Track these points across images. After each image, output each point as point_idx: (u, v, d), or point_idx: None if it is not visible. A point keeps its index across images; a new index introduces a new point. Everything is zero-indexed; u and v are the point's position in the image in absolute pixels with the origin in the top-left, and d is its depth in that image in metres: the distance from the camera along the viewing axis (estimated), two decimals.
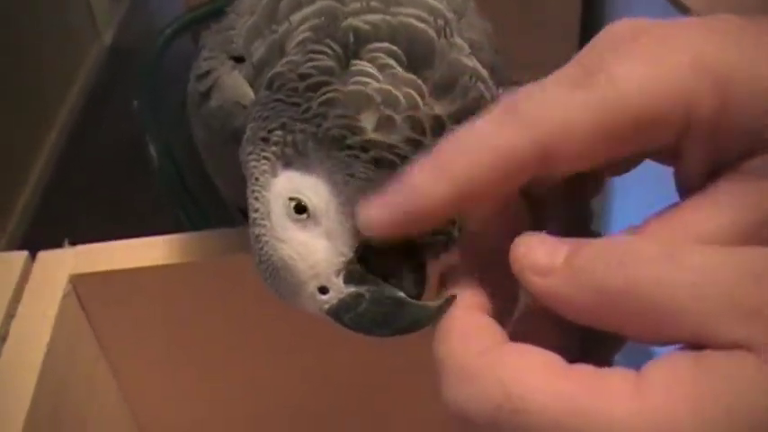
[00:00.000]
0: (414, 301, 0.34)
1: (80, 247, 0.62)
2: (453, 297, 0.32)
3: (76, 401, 0.60)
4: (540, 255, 0.30)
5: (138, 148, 1.25)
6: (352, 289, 0.35)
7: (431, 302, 0.33)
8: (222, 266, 0.61)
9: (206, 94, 0.47)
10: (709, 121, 0.30)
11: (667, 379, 0.25)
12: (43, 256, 0.62)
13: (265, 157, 0.38)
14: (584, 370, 0.27)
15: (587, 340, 0.32)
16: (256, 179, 0.39)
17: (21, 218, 2.56)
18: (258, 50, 0.44)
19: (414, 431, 0.75)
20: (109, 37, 3.60)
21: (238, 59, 0.46)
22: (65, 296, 0.59)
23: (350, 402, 0.74)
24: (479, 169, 0.31)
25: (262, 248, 0.38)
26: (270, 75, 0.40)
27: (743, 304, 0.25)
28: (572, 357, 0.29)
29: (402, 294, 0.34)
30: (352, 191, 0.35)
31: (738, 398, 0.24)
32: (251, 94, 0.44)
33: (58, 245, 0.63)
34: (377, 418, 0.75)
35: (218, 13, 0.53)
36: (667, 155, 0.32)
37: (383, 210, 0.32)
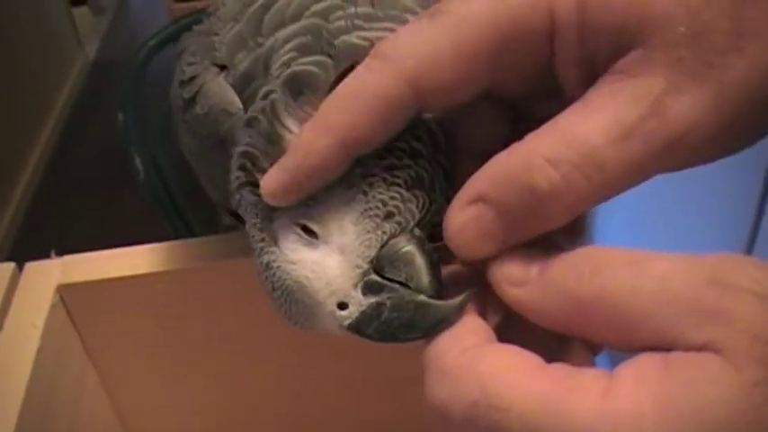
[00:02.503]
0: (435, 301, 0.33)
1: (67, 258, 0.62)
2: (473, 292, 0.33)
3: (65, 410, 0.60)
4: (514, 266, 0.31)
5: (124, 161, 1.25)
6: (372, 299, 0.34)
7: (451, 301, 0.33)
8: (209, 273, 0.61)
9: (191, 101, 0.47)
10: (571, 20, 0.31)
11: (636, 378, 0.26)
12: (30, 267, 0.62)
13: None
14: (560, 369, 0.28)
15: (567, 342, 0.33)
16: (256, 214, 0.38)
17: (7, 231, 2.55)
18: (242, 63, 0.44)
19: None
20: (92, 51, 3.59)
21: (222, 67, 0.46)
22: (52, 306, 0.59)
23: (339, 410, 0.74)
24: (357, 117, 0.33)
25: (274, 275, 0.37)
26: (248, 116, 0.40)
27: (706, 309, 0.26)
28: (553, 357, 0.30)
29: (423, 296, 0.33)
30: (363, 204, 0.35)
31: (705, 396, 0.25)
32: (237, 101, 0.43)
33: (45, 256, 0.63)
34: (374, 426, 0.76)
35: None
36: (546, 68, 0.33)
37: (279, 175, 0.35)
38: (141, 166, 1.26)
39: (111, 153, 2.42)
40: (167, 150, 1.32)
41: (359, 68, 0.33)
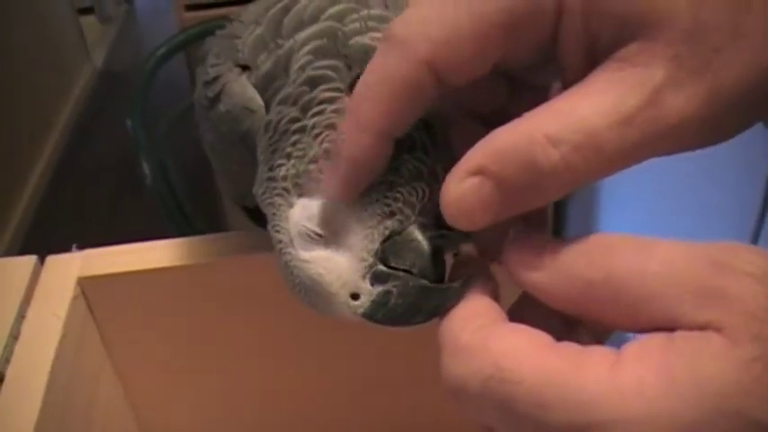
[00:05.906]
0: (436, 285, 0.36)
1: (88, 251, 0.64)
2: (471, 276, 0.36)
3: (83, 400, 0.61)
4: (528, 251, 0.33)
5: (131, 167, 1.27)
6: (380, 288, 0.37)
7: (452, 284, 0.35)
8: (228, 268, 0.63)
9: (214, 100, 0.49)
10: (578, 5, 0.32)
11: (641, 353, 0.28)
12: (52, 260, 0.64)
13: (278, 194, 0.41)
14: (569, 347, 0.30)
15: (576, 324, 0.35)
16: (274, 214, 0.42)
17: (13, 235, 2.57)
18: (264, 64, 0.46)
19: None
20: (100, 59, 3.61)
21: (244, 67, 0.48)
22: (74, 298, 0.60)
23: (354, 407, 0.75)
24: (386, 106, 0.34)
25: (292, 272, 0.40)
26: (265, 122, 0.43)
27: (707, 290, 0.28)
28: (561, 337, 0.32)
29: (425, 282, 0.36)
30: (366, 204, 0.38)
31: (705, 369, 0.26)
32: (258, 99, 0.46)
33: None
34: (381, 422, 0.77)
35: (210, 34, 0.55)
36: (549, 43, 0.34)
37: (336, 185, 0.37)
38: (149, 171, 1.28)
39: (117, 159, 2.45)
40: (174, 156, 1.34)
41: (376, 57, 0.34)
